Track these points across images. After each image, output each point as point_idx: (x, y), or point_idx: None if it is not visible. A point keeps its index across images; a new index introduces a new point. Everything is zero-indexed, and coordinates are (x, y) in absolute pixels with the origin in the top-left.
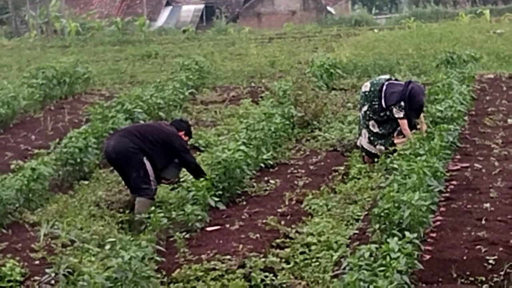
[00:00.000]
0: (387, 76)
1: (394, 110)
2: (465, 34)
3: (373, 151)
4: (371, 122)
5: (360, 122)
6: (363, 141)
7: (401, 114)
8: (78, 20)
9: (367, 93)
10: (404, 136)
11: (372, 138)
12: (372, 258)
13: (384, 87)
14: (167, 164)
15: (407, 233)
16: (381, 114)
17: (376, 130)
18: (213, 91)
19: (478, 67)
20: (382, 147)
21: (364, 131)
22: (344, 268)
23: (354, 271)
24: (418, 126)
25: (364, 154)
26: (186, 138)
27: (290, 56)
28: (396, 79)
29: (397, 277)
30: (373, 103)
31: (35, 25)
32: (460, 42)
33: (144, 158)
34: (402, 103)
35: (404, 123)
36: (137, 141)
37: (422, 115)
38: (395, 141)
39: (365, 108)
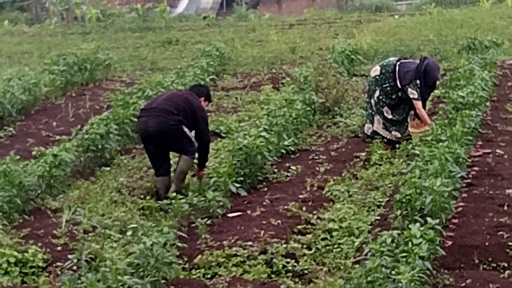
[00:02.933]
0: (396, 58)
1: (409, 90)
2: (487, 20)
3: (388, 137)
4: (385, 109)
5: (373, 108)
6: (378, 127)
7: (416, 95)
8: (99, 6)
9: (377, 77)
10: (419, 121)
11: (387, 124)
12: (394, 244)
13: (397, 68)
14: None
15: (429, 219)
16: (393, 96)
17: (390, 116)
18: (234, 77)
19: (499, 53)
20: (398, 133)
21: (377, 117)
22: (366, 254)
23: (376, 257)
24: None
25: (383, 140)
26: (206, 104)
27: (310, 42)
28: (405, 58)
29: (419, 263)
30: (384, 85)
31: (55, 12)
32: (481, 28)
33: (183, 127)
34: (418, 81)
35: (418, 104)
36: (175, 117)
37: (420, 104)
38: (410, 130)
39: (377, 93)
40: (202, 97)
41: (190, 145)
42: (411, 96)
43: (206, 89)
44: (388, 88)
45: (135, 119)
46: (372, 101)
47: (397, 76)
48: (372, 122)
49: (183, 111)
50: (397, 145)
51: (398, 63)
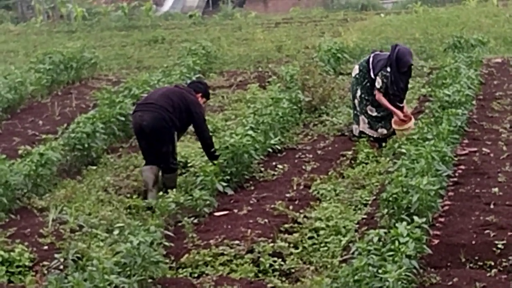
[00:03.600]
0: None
1: (378, 78)
2: (472, 18)
3: (375, 136)
4: (369, 107)
5: (356, 108)
6: (364, 127)
7: (379, 84)
8: (85, 5)
9: (357, 75)
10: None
11: (372, 123)
12: (380, 243)
13: (371, 59)
14: (185, 129)
15: (415, 218)
16: (374, 92)
17: (374, 114)
18: (220, 76)
19: (485, 51)
20: (384, 130)
21: (362, 117)
22: (353, 253)
23: (363, 256)
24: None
25: (369, 139)
26: (203, 100)
27: (296, 40)
28: (381, 50)
29: (406, 262)
30: (364, 83)
31: (41, 10)
32: (467, 27)
33: (175, 133)
34: (388, 69)
35: (380, 97)
36: (170, 116)
37: (381, 95)
38: (393, 126)
39: (358, 92)
40: (199, 93)
41: (172, 157)
42: (376, 85)
43: (204, 85)
44: (368, 85)
45: (130, 114)
46: (356, 101)
47: (370, 67)
48: (358, 123)
49: (177, 108)
50: (383, 143)
51: (372, 54)
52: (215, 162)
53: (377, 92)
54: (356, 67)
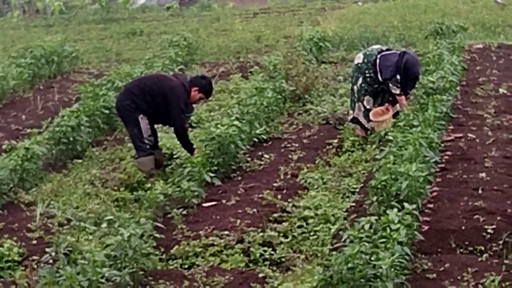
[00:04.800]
0: (378, 46)
1: (391, 85)
2: (450, 5)
3: (366, 125)
4: (366, 97)
5: (354, 95)
6: (359, 114)
7: (398, 91)
8: None
9: (359, 64)
10: (382, 109)
11: (366, 113)
12: (372, 230)
13: (378, 61)
14: (169, 116)
15: (406, 205)
16: (375, 86)
17: (369, 106)
18: (202, 67)
19: (466, 37)
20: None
21: (358, 104)
22: (344, 241)
23: (355, 244)
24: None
25: (357, 126)
26: (199, 95)
27: (275, 30)
28: (388, 49)
29: (398, 249)
30: (366, 74)
31: (17, 5)
32: (446, 13)
33: (140, 116)
34: (398, 77)
35: (402, 99)
36: (134, 99)
37: (403, 99)
38: (371, 116)
39: (360, 81)
40: (195, 87)
41: (139, 140)
42: (394, 92)
43: (206, 81)
44: (369, 78)
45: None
46: (355, 87)
47: (378, 69)
48: (353, 109)
49: (149, 92)
50: (368, 132)
51: (379, 55)
52: (201, 153)
53: (400, 97)
54: (361, 55)
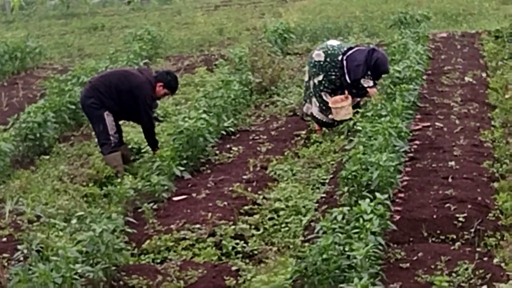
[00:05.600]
0: (338, 43)
1: (363, 80)
2: None
3: (324, 120)
4: (323, 93)
5: (310, 89)
6: (314, 109)
7: (371, 83)
8: None
9: (322, 63)
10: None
11: (324, 108)
12: (344, 221)
13: (345, 63)
14: (136, 113)
15: (378, 194)
16: (337, 84)
17: (327, 99)
18: (166, 60)
19: (430, 26)
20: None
21: (314, 99)
22: (317, 232)
23: (328, 235)
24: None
25: (312, 121)
26: (164, 91)
27: (237, 23)
28: (350, 47)
29: (371, 239)
30: (329, 73)
31: None
32: (407, 3)
33: (105, 113)
34: (369, 72)
35: (373, 91)
36: (100, 96)
37: (375, 90)
38: (330, 104)
39: (319, 77)
40: (160, 82)
41: (104, 137)
42: (366, 85)
43: (171, 77)
44: (333, 77)
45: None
46: (312, 82)
47: (345, 71)
48: (310, 103)
49: (115, 89)
50: (329, 128)
51: (345, 57)
52: (169, 147)
53: (370, 90)
54: (322, 54)
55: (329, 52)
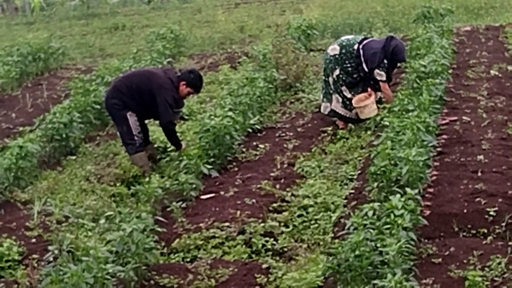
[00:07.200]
0: (352, 36)
1: (376, 71)
2: None
3: (348, 115)
4: (343, 87)
5: (330, 86)
6: (337, 106)
7: (384, 77)
8: None
9: (337, 56)
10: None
11: (347, 103)
12: (375, 217)
13: (362, 51)
14: (154, 113)
15: (408, 190)
16: (354, 76)
17: (349, 95)
18: (190, 59)
19: (454, 20)
20: None
21: (335, 96)
22: (348, 228)
23: (360, 231)
24: (384, 99)
25: (336, 119)
26: (187, 90)
27: (258, 20)
28: (365, 37)
29: (403, 234)
30: (345, 65)
31: None
32: None
33: (128, 114)
34: (385, 61)
35: (385, 85)
36: (121, 96)
37: (387, 85)
38: (353, 103)
39: (337, 72)
40: (183, 81)
41: (128, 137)
42: (379, 78)
43: (194, 75)
44: (350, 68)
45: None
46: (331, 79)
47: (362, 60)
48: (330, 101)
49: (136, 89)
50: (354, 124)
51: (361, 46)
52: (196, 145)
53: (383, 84)
54: (337, 47)
55: (344, 43)
